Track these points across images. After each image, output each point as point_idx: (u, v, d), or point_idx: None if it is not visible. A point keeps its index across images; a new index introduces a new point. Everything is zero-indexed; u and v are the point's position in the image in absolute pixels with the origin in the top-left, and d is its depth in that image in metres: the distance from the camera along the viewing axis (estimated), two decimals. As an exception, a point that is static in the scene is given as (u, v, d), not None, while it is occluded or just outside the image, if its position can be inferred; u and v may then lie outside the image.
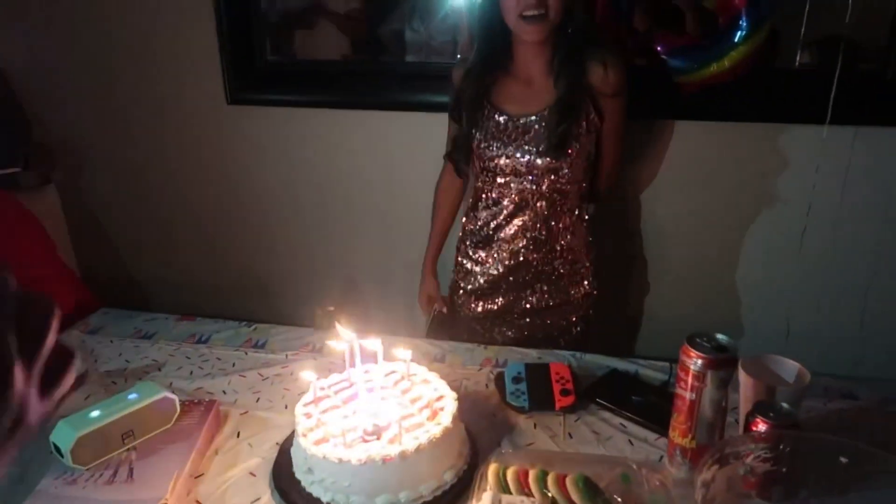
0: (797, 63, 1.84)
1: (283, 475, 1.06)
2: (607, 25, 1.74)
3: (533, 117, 1.51)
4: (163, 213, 2.33)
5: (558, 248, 1.62)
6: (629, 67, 1.53)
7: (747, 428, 0.97)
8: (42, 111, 2.22)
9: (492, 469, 0.98)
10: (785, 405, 0.97)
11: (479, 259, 1.67)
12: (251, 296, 2.33)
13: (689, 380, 0.98)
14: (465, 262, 1.71)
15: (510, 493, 0.96)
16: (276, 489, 1.04)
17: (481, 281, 1.68)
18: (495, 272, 1.65)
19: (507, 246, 1.62)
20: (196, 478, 1.07)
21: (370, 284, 2.24)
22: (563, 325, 1.69)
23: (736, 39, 1.61)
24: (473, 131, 1.56)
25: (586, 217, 1.64)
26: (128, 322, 1.59)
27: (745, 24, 1.60)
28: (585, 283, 1.66)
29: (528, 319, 1.69)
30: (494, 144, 1.54)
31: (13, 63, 2.15)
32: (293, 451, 1.07)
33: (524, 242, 1.60)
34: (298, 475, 1.03)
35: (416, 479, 1.00)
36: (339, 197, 2.17)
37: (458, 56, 1.89)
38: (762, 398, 1.02)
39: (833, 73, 1.66)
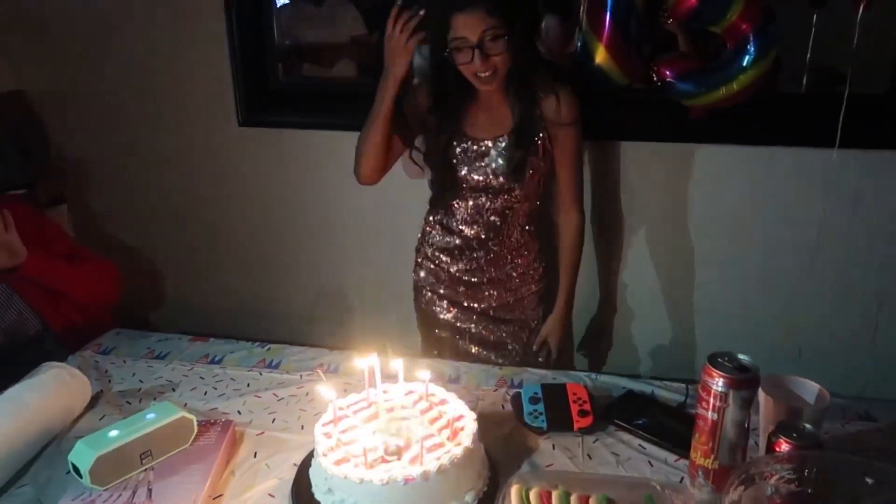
0: (803, 87, 1.86)
1: (302, 496, 1.05)
2: (616, 51, 1.75)
3: (491, 142, 1.64)
4: (173, 234, 2.34)
5: (509, 257, 1.76)
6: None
7: (769, 449, 0.97)
8: (58, 132, 2.24)
9: (514, 490, 0.98)
10: (807, 426, 0.97)
11: (439, 262, 1.81)
12: (262, 316, 2.32)
13: (711, 400, 0.98)
14: (425, 262, 1.84)
15: (533, 514, 0.95)
16: (295, 510, 1.03)
17: (443, 277, 1.81)
18: (454, 272, 1.79)
19: (462, 252, 1.76)
20: (214, 499, 1.06)
21: (382, 304, 2.24)
22: (523, 319, 1.83)
23: (745, 63, 1.63)
24: (441, 151, 1.67)
25: (532, 230, 1.77)
26: (140, 342, 1.58)
27: (752, 48, 1.62)
28: (534, 285, 1.81)
29: (484, 315, 1.82)
30: (454, 162, 1.67)
31: (35, 86, 2.16)
32: (312, 471, 1.07)
33: (478, 252, 1.74)
34: (318, 496, 1.03)
35: (437, 499, 0.99)
36: (350, 218, 2.18)
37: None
38: (783, 419, 1.02)
39: (841, 97, 1.68)
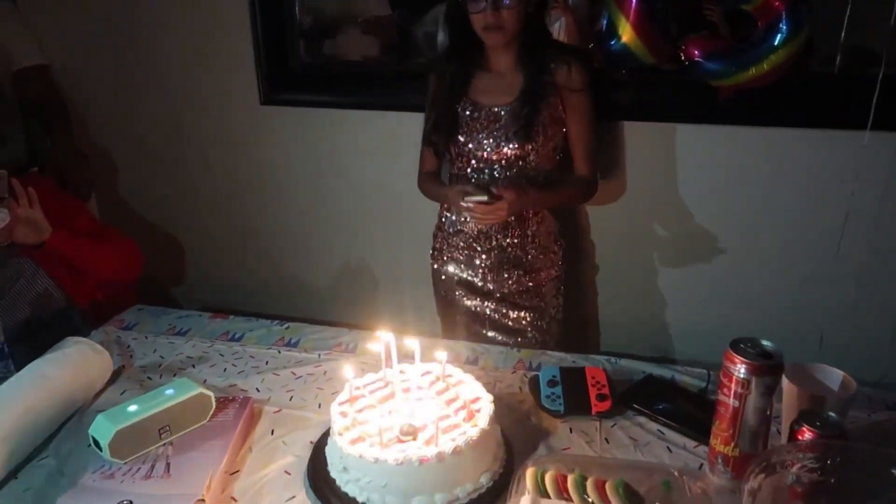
0: (836, 68, 1.81)
1: (318, 474, 1.05)
2: (643, 29, 1.72)
3: (502, 107, 1.67)
4: (195, 211, 2.36)
5: (529, 234, 1.75)
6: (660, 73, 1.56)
7: (792, 437, 0.95)
8: (81, 112, 2.26)
9: (529, 473, 0.97)
10: (831, 414, 0.95)
11: (457, 244, 1.81)
12: (283, 295, 2.34)
13: (733, 386, 0.96)
14: (444, 248, 1.84)
15: (549, 497, 0.94)
16: (311, 488, 1.04)
17: (461, 261, 1.81)
18: (473, 254, 1.79)
19: (479, 232, 1.76)
20: (231, 475, 1.07)
21: (402, 284, 2.24)
22: (542, 307, 1.82)
23: (776, 43, 1.58)
24: (449, 116, 1.70)
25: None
26: (162, 319, 1.60)
27: (785, 27, 1.57)
28: (554, 269, 1.81)
29: (504, 301, 1.82)
30: (467, 132, 1.69)
31: (58, 64, 2.18)
32: (328, 449, 1.07)
33: (496, 228, 1.73)
34: (334, 474, 1.03)
35: (452, 480, 0.99)
36: (371, 197, 2.18)
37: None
38: (807, 407, 1.00)
39: (875, 77, 1.63)
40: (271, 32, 2.06)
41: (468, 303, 1.84)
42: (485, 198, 1.56)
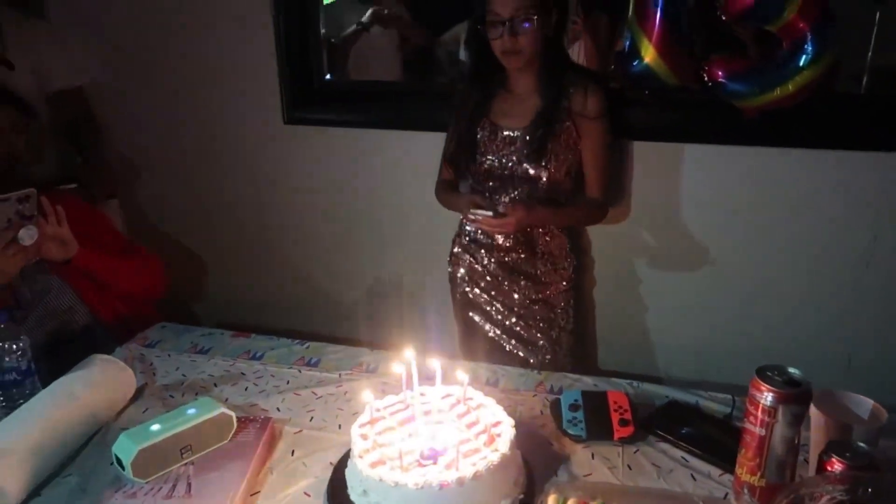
0: (863, 88, 1.79)
1: (337, 496, 1.05)
2: (666, 50, 1.71)
3: (518, 130, 1.71)
4: (219, 229, 2.38)
5: (539, 251, 1.79)
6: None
7: (821, 468, 0.93)
8: (109, 128, 2.30)
9: (551, 499, 0.96)
10: (861, 444, 0.93)
11: (473, 254, 1.86)
12: (303, 312, 2.35)
13: (759, 414, 0.95)
14: (461, 255, 1.89)
15: (570, 525, 0.93)
16: (330, 510, 1.03)
17: (477, 270, 1.86)
18: (486, 265, 1.84)
19: (493, 244, 1.81)
20: (252, 495, 1.07)
21: (423, 302, 2.24)
22: (552, 318, 1.85)
23: (801, 63, 1.57)
24: (469, 137, 1.75)
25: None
26: (184, 337, 1.61)
27: (810, 47, 1.56)
28: (563, 283, 1.84)
29: (515, 310, 1.85)
30: (483, 152, 1.74)
31: (91, 79, 2.22)
32: (348, 472, 1.07)
33: (509, 243, 1.78)
34: (353, 497, 1.02)
35: (472, 506, 0.98)
36: (393, 216, 2.19)
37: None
38: (836, 436, 0.98)
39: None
40: (296, 51, 2.08)
41: (483, 308, 1.88)
42: (490, 213, 1.61)
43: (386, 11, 2.17)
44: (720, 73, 1.67)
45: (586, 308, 2.08)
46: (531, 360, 1.83)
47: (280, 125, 2.16)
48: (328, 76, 2.16)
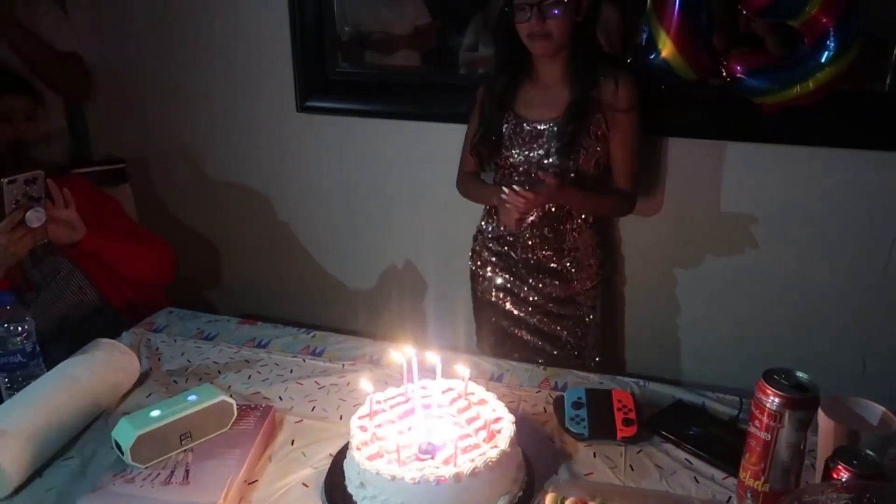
0: (886, 86, 1.74)
1: (334, 488, 1.04)
2: (684, 44, 1.68)
3: (546, 123, 1.65)
4: (230, 215, 2.39)
5: (565, 248, 1.74)
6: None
7: (827, 475, 0.91)
8: (121, 114, 2.31)
9: (549, 498, 0.95)
10: (870, 452, 0.91)
11: (496, 250, 1.82)
12: (314, 300, 2.35)
13: (765, 419, 0.92)
14: (483, 252, 1.85)
15: (567, 524, 0.92)
16: (327, 502, 1.03)
17: (500, 266, 1.82)
18: (510, 261, 1.80)
19: (519, 240, 1.76)
20: (250, 484, 1.07)
21: (433, 292, 2.23)
22: (578, 315, 1.81)
23: (823, 60, 1.53)
24: (495, 130, 1.70)
25: (591, 221, 1.77)
26: (191, 322, 1.62)
27: (832, 43, 1.52)
28: (590, 280, 1.79)
29: (540, 308, 1.81)
30: (509, 145, 1.69)
31: (104, 64, 2.23)
32: (346, 464, 1.06)
33: (534, 240, 1.73)
34: (351, 489, 1.02)
35: (469, 502, 0.97)
36: (404, 207, 2.18)
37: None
38: (843, 443, 0.96)
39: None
40: (310, 40, 2.07)
41: (505, 306, 1.84)
42: (525, 188, 1.55)
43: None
44: (739, 68, 1.63)
45: (615, 306, 2.04)
46: (556, 353, 1.80)
47: (293, 113, 2.15)
48: (343, 65, 2.15)
